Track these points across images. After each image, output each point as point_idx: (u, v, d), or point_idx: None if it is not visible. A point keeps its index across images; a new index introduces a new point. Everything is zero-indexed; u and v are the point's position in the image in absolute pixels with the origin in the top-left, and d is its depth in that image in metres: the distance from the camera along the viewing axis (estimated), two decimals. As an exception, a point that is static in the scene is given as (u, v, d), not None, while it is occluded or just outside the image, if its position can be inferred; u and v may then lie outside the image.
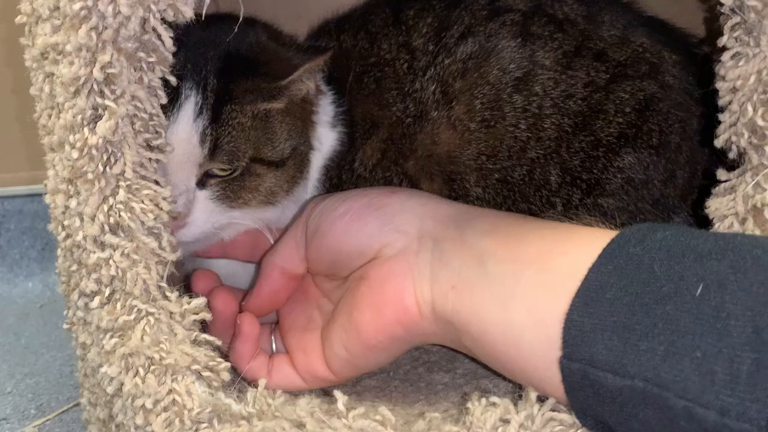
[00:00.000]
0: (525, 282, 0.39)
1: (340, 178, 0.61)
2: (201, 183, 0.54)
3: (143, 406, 0.41)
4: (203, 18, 0.57)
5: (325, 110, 0.60)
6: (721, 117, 0.43)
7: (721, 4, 0.41)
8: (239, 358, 0.50)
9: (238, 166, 0.54)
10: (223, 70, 0.53)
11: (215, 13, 0.63)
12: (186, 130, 0.52)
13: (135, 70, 0.42)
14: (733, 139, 0.42)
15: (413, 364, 0.56)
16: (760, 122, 0.40)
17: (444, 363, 0.56)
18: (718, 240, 0.35)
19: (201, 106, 0.52)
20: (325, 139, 0.60)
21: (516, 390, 0.40)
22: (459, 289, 0.42)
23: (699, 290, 0.33)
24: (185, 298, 0.44)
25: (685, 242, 0.35)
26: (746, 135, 0.41)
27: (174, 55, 0.51)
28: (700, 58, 0.58)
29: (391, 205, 0.48)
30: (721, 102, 0.42)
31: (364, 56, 0.60)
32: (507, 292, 0.39)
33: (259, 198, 0.56)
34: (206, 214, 0.54)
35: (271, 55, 0.56)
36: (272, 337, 0.54)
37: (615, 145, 0.56)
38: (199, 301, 0.44)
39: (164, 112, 0.50)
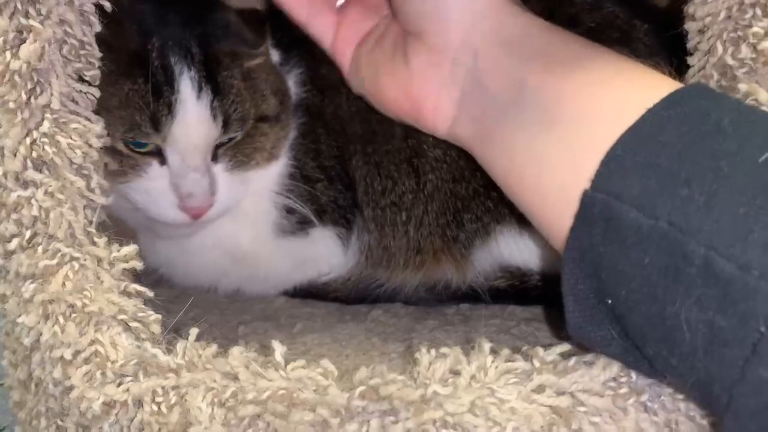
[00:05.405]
0: (568, 113, 0.36)
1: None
2: (214, 157, 0.52)
3: (62, 357, 0.38)
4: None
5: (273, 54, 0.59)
6: (690, 60, 0.40)
7: (691, -60, 0.39)
8: None
9: (245, 129, 0.53)
10: (200, 36, 0.52)
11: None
12: (194, 110, 0.50)
13: (65, -8, 0.39)
14: (702, 82, 0.39)
15: (367, 335, 0.53)
16: (730, 61, 0.37)
17: (400, 334, 0.53)
18: None
19: (198, 81, 0.50)
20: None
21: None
22: (489, 115, 0.40)
23: (764, 157, 0.29)
24: (116, 245, 0.41)
25: (761, 113, 0.33)
26: (715, 77, 0.38)
27: (147, 32, 0.50)
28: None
29: None
30: (690, 44, 0.40)
31: None
32: (544, 125, 0.37)
33: (266, 156, 0.56)
34: (229, 186, 0.53)
35: (233, 15, 0.54)
36: None
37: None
38: (131, 248, 0.41)
39: (159, 98, 0.49)
